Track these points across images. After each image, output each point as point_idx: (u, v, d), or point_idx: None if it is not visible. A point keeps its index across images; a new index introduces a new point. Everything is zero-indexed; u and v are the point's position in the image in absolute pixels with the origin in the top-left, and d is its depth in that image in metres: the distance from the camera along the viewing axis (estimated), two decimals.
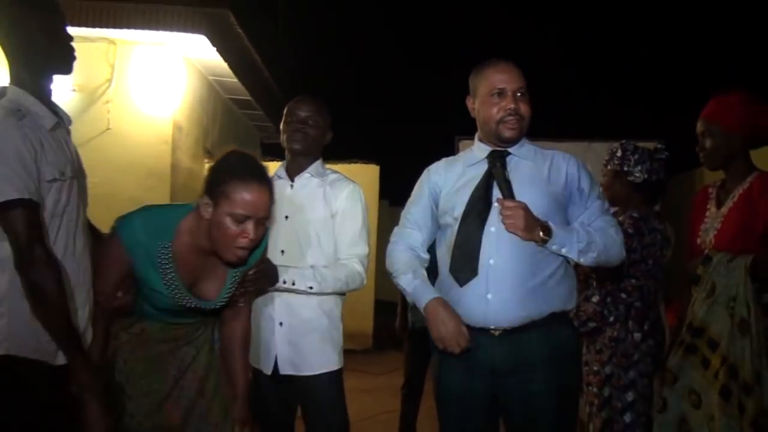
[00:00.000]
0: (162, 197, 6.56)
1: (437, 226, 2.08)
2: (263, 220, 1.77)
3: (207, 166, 8.50)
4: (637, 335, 2.48)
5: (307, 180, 2.34)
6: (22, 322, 1.59)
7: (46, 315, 1.59)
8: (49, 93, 1.72)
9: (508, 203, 1.87)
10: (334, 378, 2.29)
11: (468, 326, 1.90)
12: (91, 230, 1.89)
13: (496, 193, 1.92)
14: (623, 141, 2.70)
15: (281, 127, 2.38)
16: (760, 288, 2.11)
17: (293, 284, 2.19)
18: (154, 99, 6.71)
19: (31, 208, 1.56)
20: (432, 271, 2.05)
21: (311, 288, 2.21)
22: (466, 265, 1.90)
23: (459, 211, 1.95)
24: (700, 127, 2.30)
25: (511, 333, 1.88)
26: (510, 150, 1.99)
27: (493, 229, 1.89)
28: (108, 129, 6.45)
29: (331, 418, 2.29)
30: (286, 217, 2.29)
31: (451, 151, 5.26)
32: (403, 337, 3.85)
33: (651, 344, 2.50)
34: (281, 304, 2.25)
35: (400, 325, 3.84)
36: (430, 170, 2.11)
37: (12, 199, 1.53)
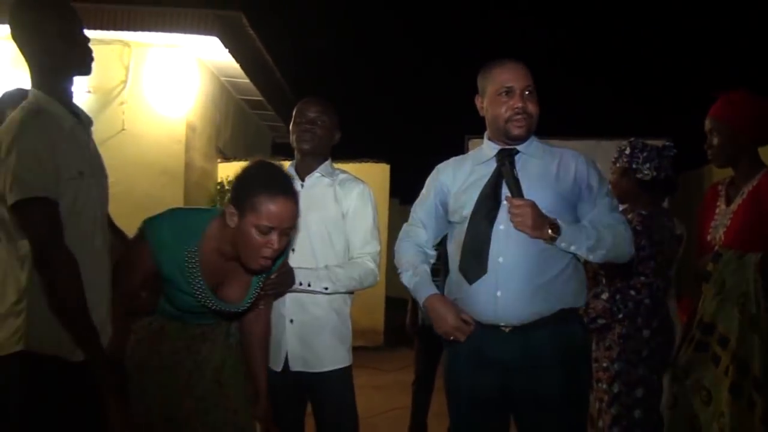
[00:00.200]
0: (175, 196, 6.63)
1: (444, 225, 2.10)
2: (288, 230, 1.78)
3: (220, 164, 8.60)
4: (646, 332, 2.49)
5: (317, 179, 2.37)
6: (41, 318, 1.62)
7: (63, 312, 1.62)
8: (69, 94, 1.76)
9: (517, 201, 1.88)
10: (343, 375, 2.31)
11: (478, 323, 1.93)
12: (113, 229, 1.93)
13: (505, 192, 1.93)
14: (632, 139, 2.70)
15: (290, 127, 2.41)
16: None
17: (309, 285, 2.22)
18: (167, 100, 6.78)
19: (49, 206, 1.59)
20: (444, 269, 2.08)
21: (326, 288, 2.24)
22: (475, 263, 1.91)
23: (468, 209, 1.96)
24: (707, 124, 2.31)
25: (521, 330, 1.89)
26: (519, 148, 2.00)
27: (502, 227, 1.90)
28: (123, 129, 6.54)
29: (340, 414, 2.31)
30: None
31: (460, 149, 5.27)
32: (414, 333, 3.87)
33: (660, 341, 2.50)
34: (292, 301, 2.28)
35: (411, 322, 3.86)
36: (439, 170, 2.13)
37: (30, 197, 1.57)
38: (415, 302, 3.78)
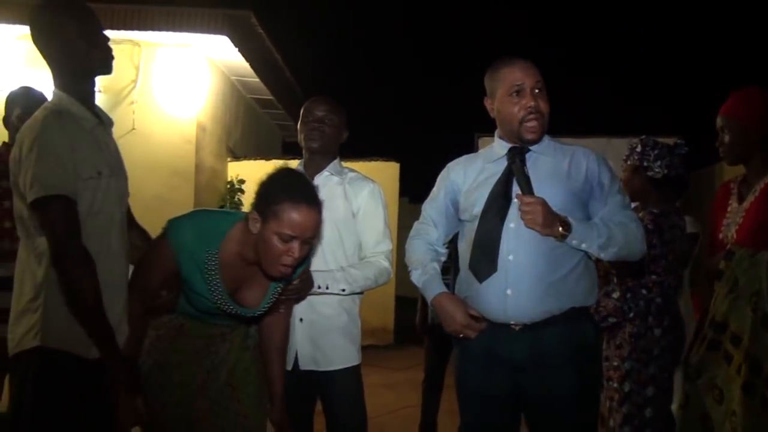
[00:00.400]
0: (186, 196, 6.66)
1: (455, 223, 2.10)
2: (310, 240, 1.77)
3: (230, 163, 8.62)
4: (657, 331, 2.48)
5: (326, 178, 2.38)
6: (57, 315, 1.64)
7: (79, 310, 1.63)
8: (91, 95, 1.79)
9: (527, 199, 1.88)
10: (353, 373, 2.33)
11: (488, 321, 1.92)
12: (136, 228, 1.95)
13: (516, 190, 1.92)
14: (643, 136, 2.69)
15: (299, 126, 2.43)
16: None
17: (327, 288, 2.23)
18: (178, 99, 6.81)
19: (67, 204, 1.61)
20: (454, 267, 2.08)
21: (344, 290, 2.25)
22: (485, 261, 1.91)
23: (479, 207, 1.96)
24: (719, 122, 2.30)
25: (531, 328, 1.89)
26: (530, 146, 2.00)
27: (512, 225, 1.90)
28: (133, 129, 6.56)
29: (349, 413, 2.32)
30: None
31: (470, 148, 5.27)
32: (424, 332, 3.87)
33: (671, 339, 2.49)
34: (302, 300, 2.29)
35: (421, 320, 3.86)
36: (450, 168, 2.13)
37: (49, 195, 1.59)
38: (424, 301, 3.79)
